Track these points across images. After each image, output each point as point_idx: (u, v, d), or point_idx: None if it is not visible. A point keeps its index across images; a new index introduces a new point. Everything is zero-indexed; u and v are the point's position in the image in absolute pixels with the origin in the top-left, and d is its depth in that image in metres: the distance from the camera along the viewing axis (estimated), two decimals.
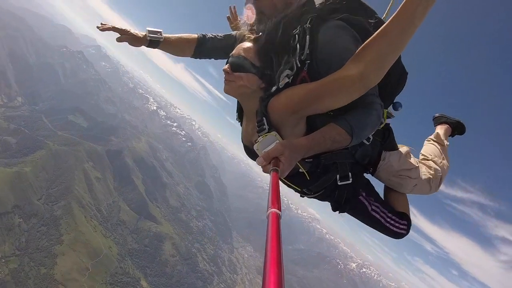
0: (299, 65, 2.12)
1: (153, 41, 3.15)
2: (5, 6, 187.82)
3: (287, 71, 2.12)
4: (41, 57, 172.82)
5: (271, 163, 1.70)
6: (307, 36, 2.12)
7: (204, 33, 3.33)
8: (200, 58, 3.45)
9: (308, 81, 2.18)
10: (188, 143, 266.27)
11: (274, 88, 2.16)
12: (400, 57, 2.33)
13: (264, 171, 1.75)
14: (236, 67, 2.25)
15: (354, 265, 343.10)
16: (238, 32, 2.78)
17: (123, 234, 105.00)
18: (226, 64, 2.33)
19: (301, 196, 3.00)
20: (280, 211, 0.98)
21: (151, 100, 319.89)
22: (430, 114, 4.38)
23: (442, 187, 3.39)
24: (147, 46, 3.20)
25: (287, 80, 2.11)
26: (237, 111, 2.82)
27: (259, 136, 2.18)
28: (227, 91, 2.34)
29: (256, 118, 2.30)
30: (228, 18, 3.98)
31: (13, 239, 72.21)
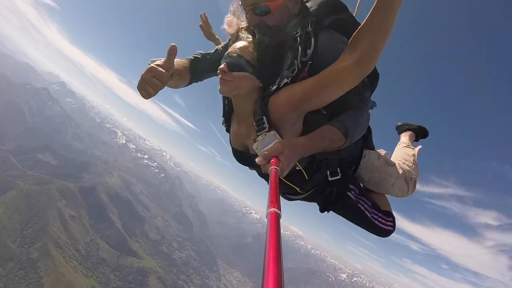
0: (300, 66, 2.17)
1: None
2: None
3: (287, 72, 2.17)
4: (6, 96, 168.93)
5: (270, 163, 1.70)
6: (312, 39, 2.19)
7: (191, 57, 2.92)
8: (190, 84, 3.02)
9: None
10: (161, 174, 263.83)
11: (274, 88, 2.19)
12: None
13: (264, 170, 1.75)
14: (233, 67, 2.21)
15: (344, 275, 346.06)
16: (223, 44, 2.88)
17: (105, 272, 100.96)
18: (222, 63, 2.27)
19: (289, 200, 3.05)
20: (280, 210, 0.97)
21: (120, 134, 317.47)
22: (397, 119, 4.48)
23: (418, 187, 3.52)
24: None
25: (286, 80, 2.16)
26: (223, 115, 2.77)
27: (257, 136, 2.18)
28: (223, 91, 2.28)
29: (253, 118, 2.30)
30: (201, 26, 3.76)
31: None
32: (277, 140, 2.08)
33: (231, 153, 2.77)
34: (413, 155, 3.75)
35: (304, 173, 2.44)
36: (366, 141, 2.94)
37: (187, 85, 2.94)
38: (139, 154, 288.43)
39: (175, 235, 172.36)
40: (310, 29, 2.24)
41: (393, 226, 3.11)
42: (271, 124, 2.17)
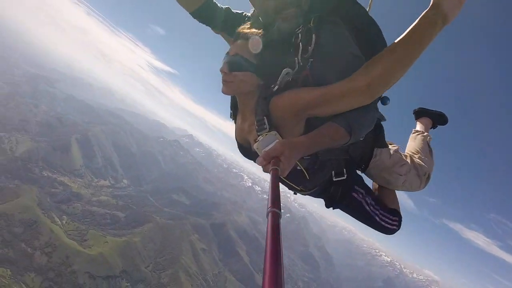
0: (301, 64, 2.14)
1: None
2: (103, 108, 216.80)
3: (288, 70, 2.13)
4: (142, 146, 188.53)
5: (271, 162, 1.67)
6: (313, 36, 2.11)
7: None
8: (198, 19, 2.90)
9: (310, 79, 2.17)
10: (287, 215, 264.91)
11: (275, 88, 2.18)
12: None
13: (264, 170, 1.74)
14: (233, 67, 2.22)
15: None
16: (250, 14, 2.74)
17: None
18: (222, 64, 2.29)
19: (294, 193, 3.08)
20: (280, 210, 0.98)
21: (245, 177, 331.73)
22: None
23: None
24: None
25: (288, 78, 2.15)
26: (231, 108, 2.80)
27: (258, 135, 2.20)
28: (225, 92, 2.30)
29: (254, 117, 2.30)
30: None
31: None
32: (277, 140, 2.06)
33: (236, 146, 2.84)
34: (428, 146, 3.70)
35: (305, 173, 2.40)
36: (378, 140, 2.94)
37: (194, 14, 2.81)
38: (265, 196, 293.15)
39: (301, 275, 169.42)
40: (311, 25, 2.14)
41: (398, 225, 3.13)
42: (271, 124, 2.17)
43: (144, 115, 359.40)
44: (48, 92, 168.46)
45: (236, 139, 2.75)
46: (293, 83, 2.17)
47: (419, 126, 4.04)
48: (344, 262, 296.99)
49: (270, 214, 0.93)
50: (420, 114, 4.17)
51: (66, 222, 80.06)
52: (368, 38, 2.29)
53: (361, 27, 2.32)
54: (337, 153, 2.46)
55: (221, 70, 2.26)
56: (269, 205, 1.01)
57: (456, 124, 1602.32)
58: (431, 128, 4.07)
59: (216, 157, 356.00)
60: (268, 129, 2.16)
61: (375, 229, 3.08)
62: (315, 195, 2.90)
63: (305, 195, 2.93)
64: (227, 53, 2.32)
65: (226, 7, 2.87)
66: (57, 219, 77.85)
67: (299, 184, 2.65)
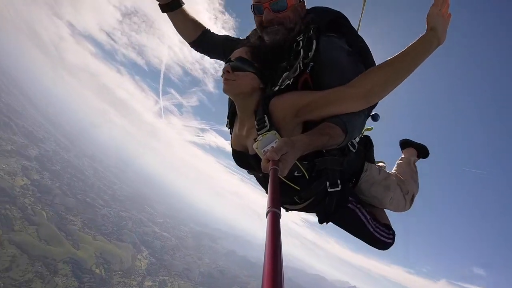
0: (302, 68, 2.26)
1: (174, 2, 3.05)
2: (262, 263, 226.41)
3: (289, 73, 2.24)
4: None
5: (270, 162, 1.64)
6: (314, 41, 2.29)
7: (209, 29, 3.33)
8: (197, 49, 3.35)
9: (310, 82, 2.34)
10: None
11: (276, 88, 2.27)
12: None
13: (264, 170, 1.70)
14: (235, 67, 2.31)
15: None
16: (242, 38, 2.98)
17: None
18: (225, 65, 2.38)
19: (286, 210, 3.08)
20: (280, 210, 0.96)
21: None
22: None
23: None
24: (163, 3, 3.05)
25: (288, 81, 2.24)
26: (228, 117, 2.86)
27: (258, 135, 2.23)
28: (226, 90, 2.36)
29: (254, 119, 2.36)
30: None
31: None
32: (277, 140, 2.12)
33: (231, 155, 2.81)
34: (413, 169, 3.77)
35: (306, 175, 2.41)
36: (368, 155, 2.96)
37: (192, 44, 3.23)
38: None
39: None
40: (311, 33, 2.33)
41: (393, 239, 3.04)
42: (272, 123, 2.22)
43: (302, 269, 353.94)
44: (211, 247, 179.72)
45: (232, 146, 2.76)
46: (294, 86, 2.30)
47: (405, 155, 4.09)
48: None
49: (269, 214, 0.91)
50: (405, 145, 4.27)
51: None
52: (361, 56, 2.53)
53: (353, 44, 2.56)
54: (332, 163, 2.49)
55: (224, 70, 2.32)
56: (269, 205, 0.99)
57: None
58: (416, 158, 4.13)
59: None
60: (268, 127, 2.20)
61: (369, 243, 3.00)
62: (310, 207, 2.77)
63: (298, 210, 2.88)
64: (229, 57, 2.41)
65: (224, 36, 3.20)
66: None
67: (295, 194, 2.60)
